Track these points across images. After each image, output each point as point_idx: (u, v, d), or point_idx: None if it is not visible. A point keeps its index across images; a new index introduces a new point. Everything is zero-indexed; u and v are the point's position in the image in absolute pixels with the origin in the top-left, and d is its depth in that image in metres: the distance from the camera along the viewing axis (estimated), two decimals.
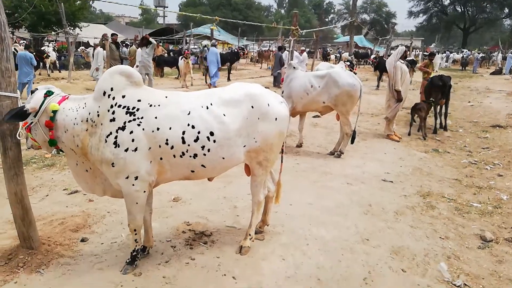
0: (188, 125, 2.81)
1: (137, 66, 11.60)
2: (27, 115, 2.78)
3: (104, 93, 2.76)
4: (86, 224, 3.84)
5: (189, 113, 2.84)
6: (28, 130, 2.84)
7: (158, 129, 2.76)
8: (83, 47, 21.30)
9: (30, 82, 11.06)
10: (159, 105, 2.82)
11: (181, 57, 15.96)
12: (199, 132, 2.82)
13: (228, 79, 18.00)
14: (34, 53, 12.29)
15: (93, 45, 19.80)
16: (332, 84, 6.31)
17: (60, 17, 17.78)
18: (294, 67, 6.87)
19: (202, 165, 2.91)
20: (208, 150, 2.86)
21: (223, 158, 2.95)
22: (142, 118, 2.75)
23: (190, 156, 2.84)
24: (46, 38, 22.44)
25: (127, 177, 2.78)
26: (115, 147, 2.70)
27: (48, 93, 2.84)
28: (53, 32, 18.90)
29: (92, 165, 2.91)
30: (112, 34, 13.33)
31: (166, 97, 2.90)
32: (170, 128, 2.77)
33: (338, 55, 30.37)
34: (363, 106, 6.82)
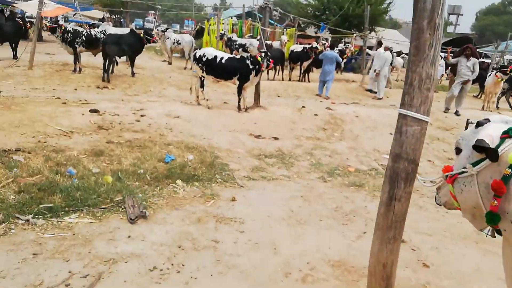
0: None
1: None
2: (496, 157, 1.52)
3: None
4: None
5: None
6: (450, 180, 1.71)
7: None
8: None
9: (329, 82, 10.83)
10: None
11: (493, 72, 12.68)
12: None
13: None
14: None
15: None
16: None
17: (362, 20, 17.78)
18: None
19: None
20: None
21: None
22: None
23: None
24: (343, 40, 23.36)
25: None
26: None
27: (509, 132, 1.59)
28: (354, 34, 19.17)
29: None
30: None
31: None
32: None
33: None
34: None
